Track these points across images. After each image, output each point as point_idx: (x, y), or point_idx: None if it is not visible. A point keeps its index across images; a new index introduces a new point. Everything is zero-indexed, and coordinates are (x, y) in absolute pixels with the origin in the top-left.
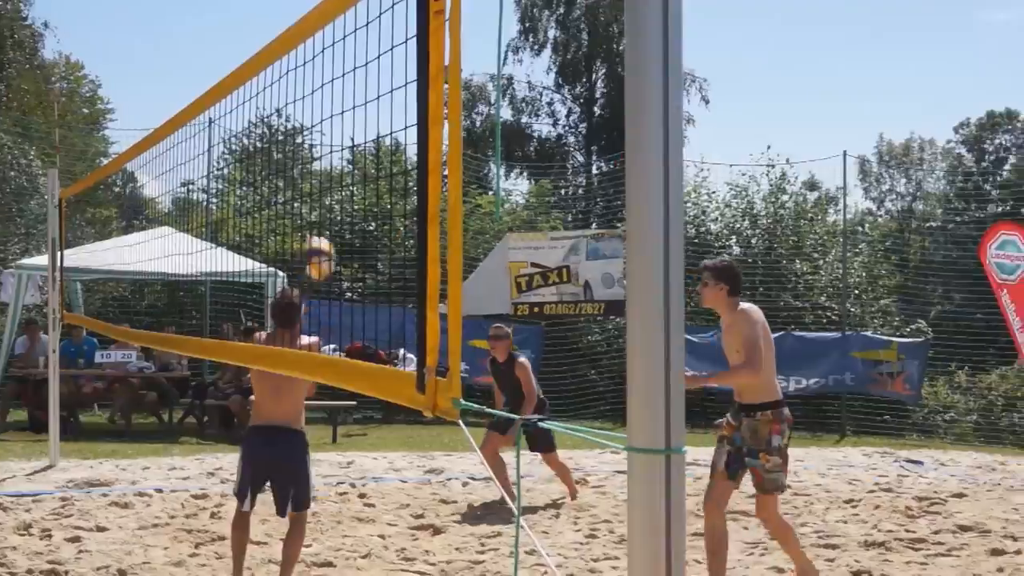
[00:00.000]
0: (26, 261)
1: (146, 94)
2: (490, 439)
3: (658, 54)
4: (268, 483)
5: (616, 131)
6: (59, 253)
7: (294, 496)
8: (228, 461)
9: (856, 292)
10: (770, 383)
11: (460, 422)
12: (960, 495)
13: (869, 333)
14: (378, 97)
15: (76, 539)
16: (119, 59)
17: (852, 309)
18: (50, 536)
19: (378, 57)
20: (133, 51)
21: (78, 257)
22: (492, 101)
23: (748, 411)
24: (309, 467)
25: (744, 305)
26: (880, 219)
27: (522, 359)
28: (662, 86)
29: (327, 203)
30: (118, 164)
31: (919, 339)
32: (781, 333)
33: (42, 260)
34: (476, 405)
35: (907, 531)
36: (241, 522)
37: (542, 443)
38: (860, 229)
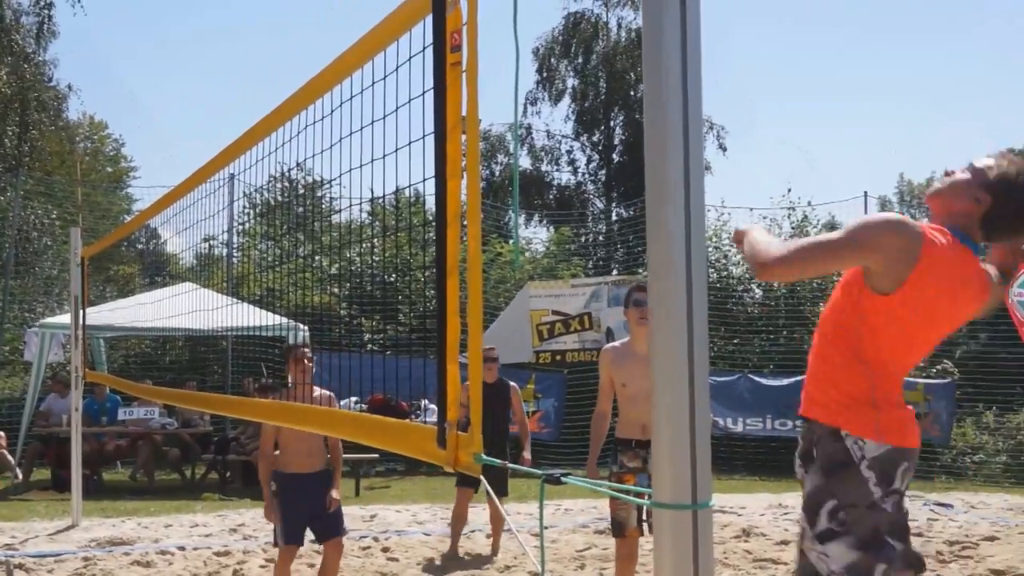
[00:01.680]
0: (49, 320)
1: (170, 150)
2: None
3: (677, 96)
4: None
5: (635, 177)
6: (82, 311)
7: None
8: (251, 517)
9: None
10: None
11: (482, 477)
12: (992, 538)
13: None
14: (396, 150)
15: None
16: (143, 117)
17: None
18: None
19: (396, 110)
20: (156, 109)
21: (101, 315)
22: (511, 151)
23: None
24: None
25: None
26: None
27: (513, 384)
28: (682, 127)
29: (348, 255)
30: (139, 221)
31: (945, 379)
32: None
33: (64, 319)
34: (498, 461)
35: None
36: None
37: (498, 488)
38: None
